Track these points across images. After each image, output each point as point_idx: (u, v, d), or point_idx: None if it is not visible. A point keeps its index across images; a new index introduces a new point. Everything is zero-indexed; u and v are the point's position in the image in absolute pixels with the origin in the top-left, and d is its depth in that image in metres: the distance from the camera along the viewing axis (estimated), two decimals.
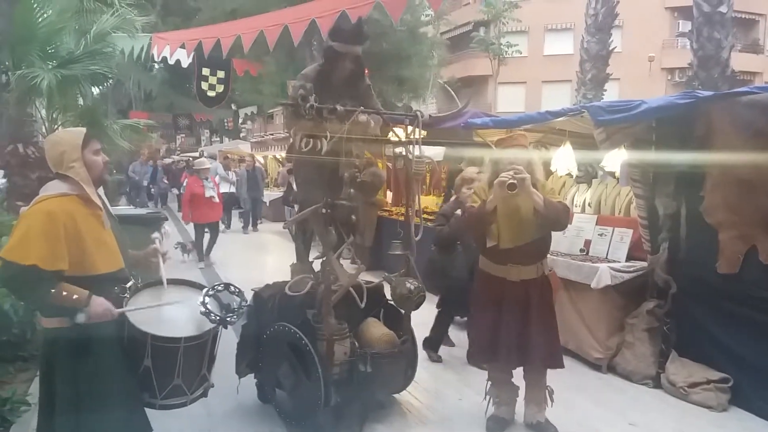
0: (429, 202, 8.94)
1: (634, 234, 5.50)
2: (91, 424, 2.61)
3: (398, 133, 4.37)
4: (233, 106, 26.39)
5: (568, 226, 5.88)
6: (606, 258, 5.54)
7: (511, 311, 3.91)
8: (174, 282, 3.00)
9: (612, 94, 19.48)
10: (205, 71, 10.98)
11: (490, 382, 4.22)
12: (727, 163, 4.56)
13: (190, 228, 10.86)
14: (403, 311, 4.39)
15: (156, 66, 24.69)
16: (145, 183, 19.77)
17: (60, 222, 2.56)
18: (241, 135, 36.45)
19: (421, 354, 4.62)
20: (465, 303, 4.74)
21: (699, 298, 4.93)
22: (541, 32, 33.90)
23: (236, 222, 15.87)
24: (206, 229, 10.38)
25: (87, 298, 2.59)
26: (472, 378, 4.99)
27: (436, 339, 5.63)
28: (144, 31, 9.35)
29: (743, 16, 29.13)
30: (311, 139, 3.82)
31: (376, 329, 4.28)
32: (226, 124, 32.88)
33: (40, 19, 7.16)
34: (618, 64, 18.60)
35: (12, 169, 7.59)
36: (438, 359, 5.54)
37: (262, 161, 21.77)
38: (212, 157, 19.50)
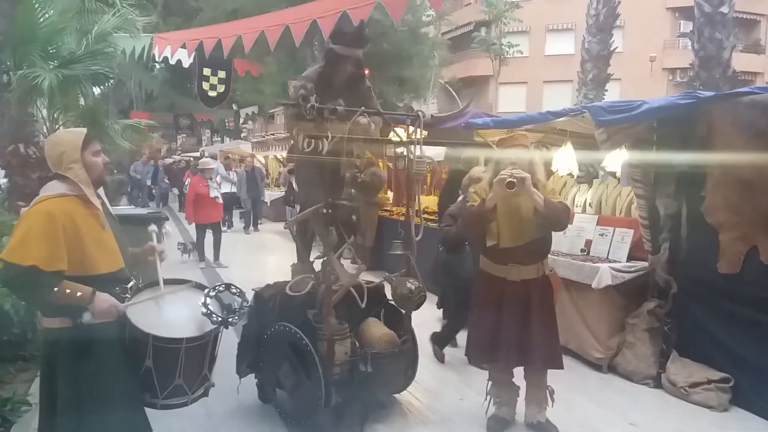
0: (430, 202, 8.94)
1: (635, 234, 5.50)
2: (92, 424, 2.61)
3: (399, 133, 4.38)
4: (234, 106, 26.41)
5: (569, 226, 5.88)
6: (607, 258, 5.54)
7: (511, 311, 3.91)
8: (175, 282, 3.00)
9: (613, 94, 19.48)
10: (206, 71, 11.00)
11: (490, 382, 4.22)
12: (728, 164, 4.56)
13: (191, 228, 10.86)
14: (403, 311, 4.39)
15: (157, 66, 24.73)
16: (147, 183, 19.81)
17: (59, 222, 2.56)
18: (242, 135, 36.43)
19: (422, 354, 4.61)
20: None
21: (700, 298, 4.93)
22: (543, 32, 33.89)
23: (237, 222, 15.89)
24: (208, 230, 10.38)
25: (91, 294, 2.59)
26: (473, 378, 4.99)
27: (445, 337, 5.62)
28: (145, 31, 9.36)
29: (744, 16, 29.11)
30: (312, 140, 3.82)
31: (377, 329, 4.29)
32: (227, 124, 32.88)
33: (41, 19, 7.17)
34: (619, 65, 18.59)
35: (13, 169, 7.60)
36: (441, 358, 5.54)
37: (263, 161, 21.78)
38: (213, 157, 19.49)
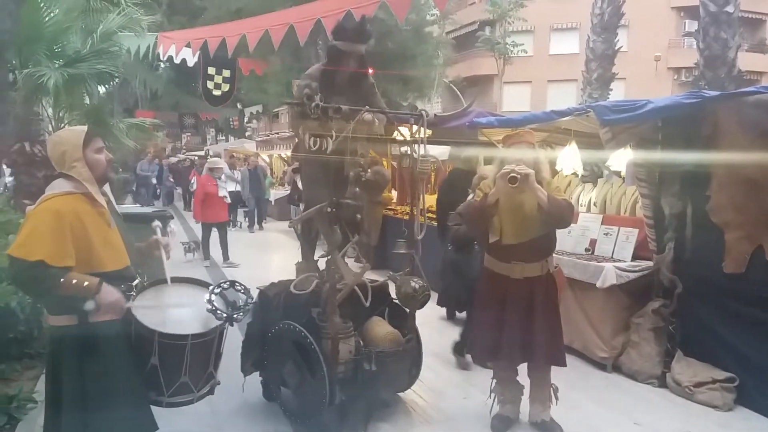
0: (434, 201, 8.93)
1: (639, 233, 5.49)
2: (98, 421, 2.62)
3: (403, 132, 4.38)
4: (238, 105, 26.44)
5: (574, 225, 5.89)
6: (611, 257, 5.53)
7: (514, 309, 3.91)
8: (180, 280, 3.01)
9: (618, 93, 19.42)
10: (211, 70, 11.02)
11: (494, 381, 4.22)
12: (733, 163, 4.54)
13: (196, 227, 10.88)
14: (407, 310, 4.39)
15: (162, 65, 24.77)
16: (154, 181, 19.85)
17: (66, 220, 2.57)
18: (247, 134, 36.49)
19: (426, 353, 4.61)
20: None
21: (705, 297, 4.92)
22: (547, 32, 33.83)
23: (241, 221, 15.90)
24: (214, 229, 10.39)
25: (98, 285, 2.59)
26: (477, 377, 4.99)
27: (464, 343, 5.59)
28: (150, 31, 9.39)
29: (750, 15, 28.99)
30: (317, 139, 3.83)
31: (381, 328, 4.29)
32: (231, 123, 32.92)
33: (46, 19, 7.19)
34: (624, 64, 18.55)
35: (19, 167, 7.63)
36: (466, 366, 5.43)
37: (268, 160, 21.80)
38: (217, 156, 19.53)
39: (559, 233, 4.20)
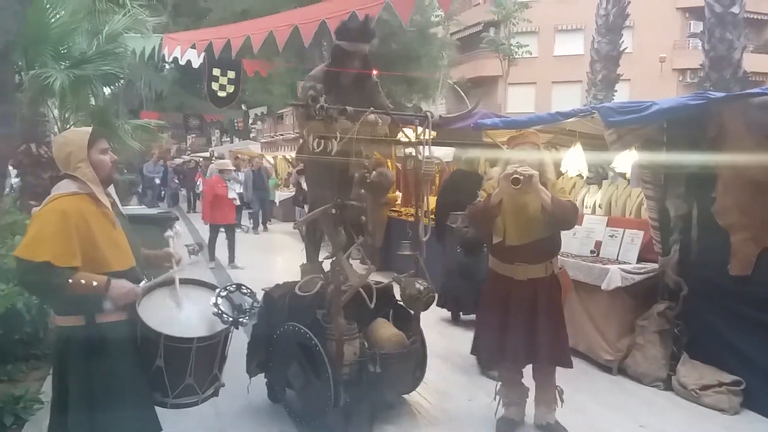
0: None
1: (644, 235, 5.48)
2: (103, 422, 2.62)
3: (408, 133, 4.38)
4: (243, 107, 26.47)
5: (579, 227, 5.88)
6: (617, 259, 5.52)
7: (518, 310, 3.90)
8: (186, 282, 3.01)
9: (623, 94, 19.41)
10: (216, 72, 11.00)
11: (499, 383, 4.22)
12: (739, 165, 4.53)
13: (201, 228, 10.89)
14: (412, 312, 4.39)
15: (167, 66, 24.80)
16: (158, 182, 19.90)
17: (72, 220, 2.58)
18: (251, 135, 36.56)
19: (431, 355, 4.60)
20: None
21: (710, 300, 4.91)
22: (552, 33, 33.78)
23: (246, 222, 15.91)
24: (221, 230, 10.38)
25: (106, 282, 2.59)
26: (482, 379, 5.00)
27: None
28: (155, 32, 9.38)
29: (755, 16, 28.87)
30: (322, 140, 3.83)
31: (386, 330, 4.29)
32: (236, 124, 33.00)
33: (52, 20, 7.22)
34: (629, 65, 18.51)
35: (25, 168, 7.66)
36: (496, 377, 5.37)
37: (272, 161, 21.82)
38: (221, 158, 19.56)
39: (564, 235, 4.19)
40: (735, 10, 12.46)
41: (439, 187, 10.70)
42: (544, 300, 3.91)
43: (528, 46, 31.79)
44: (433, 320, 6.69)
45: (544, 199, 3.72)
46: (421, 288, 4.14)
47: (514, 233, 3.91)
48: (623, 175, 7.24)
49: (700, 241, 5.04)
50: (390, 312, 4.54)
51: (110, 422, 2.64)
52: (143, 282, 2.83)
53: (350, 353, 3.97)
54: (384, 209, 8.35)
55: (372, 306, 4.17)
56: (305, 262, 4.77)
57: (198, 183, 19.19)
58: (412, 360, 4.35)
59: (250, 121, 31.57)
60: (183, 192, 22.23)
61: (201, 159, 24.76)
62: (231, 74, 11.03)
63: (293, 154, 16.43)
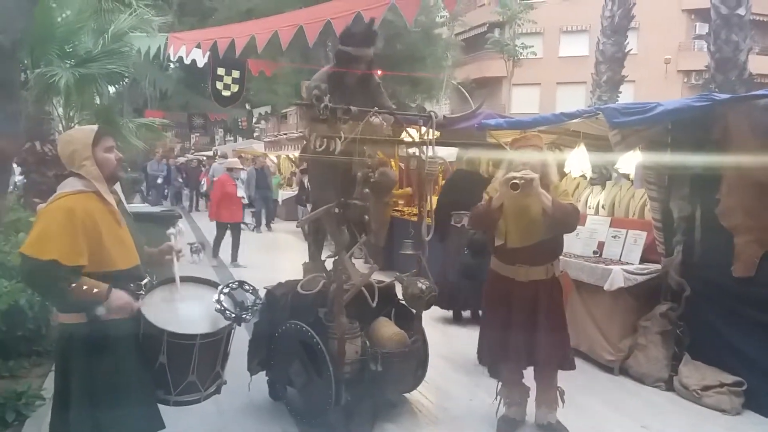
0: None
1: (648, 236, 5.47)
2: (106, 419, 2.63)
3: (412, 133, 4.38)
4: (247, 106, 26.50)
5: (582, 228, 5.87)
6: (619, 260, 5.51)
7: (519, 312, 3.91)
8: (189, 280, 3.03)
9: (627, 96, 19.35)
10: (221, 71, 11.02)
11: (501, 383, 4.22)
12: (743, 167, 4.52)
13: (204, 227, 10.90)
14: (414, 311, 4.40)
15: (172, 65, 24.86)
16: (160, 181, 19.92)
17: (78, 218, 2.59)
18: (255, 134, 36.61)
19: (432, 354, 4.61)
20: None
21: (713, 301, 4.90)
22: (557, 34, 33.75)
23: (249, 221, 15.92)
24: (228, 228, 10.39)
25: (107, 291, 2.61)
26: (483, 378, 4.99)
27: None
28: (160, 31, 9.41)
29: (761, 18, 28.80)
30: (325, 140, 3.84)
31: (387, 328, 4.29)
32: (240, 123, 33.02)
33: (58, 19, 7.26)
34: (634, 66, 18.50)
35: (29, 166, 7.69)
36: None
37: (276, 161, 21.84)
38: (224, 156, 19.60)
39: (567, 235, 4.19)
40: (741, 11, 12.43)
41: (441, 187, 10.74)
42: (545, 302, 3.91)
43: (533, 47, 31.76)
44: (434, 319, 6.70)
45: (545, 203, 3.72)
46: (423, 287, 4.14)
47: (515, 236, 3.91)
48: (627, 176, 7.24)
49: (703, 242, 5.04)
50: (392, 311, 4.54)
51: (113, 419, 2.65)
52: (146, 280, 2.85)
53: (352, 352, 3.97)
54: (387, 208, 8.32)
55: (374, 305, 4.18)
56: (308, 260, 4.77)
57: (202, 182, 19.22)
58: (414, 359, 4.35)
59: (254, 120, 31.60)
60: (186, 191, 22.26)
61: (204, 158, 24.79)
62: (235, 74, 11.04)
63: (297, 154, 16.45)
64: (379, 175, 4.18)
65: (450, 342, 6.08)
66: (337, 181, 4.13)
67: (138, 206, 11.03)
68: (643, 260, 5.42)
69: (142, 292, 2.78)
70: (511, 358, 4.00)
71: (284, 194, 17.51)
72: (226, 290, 2.95)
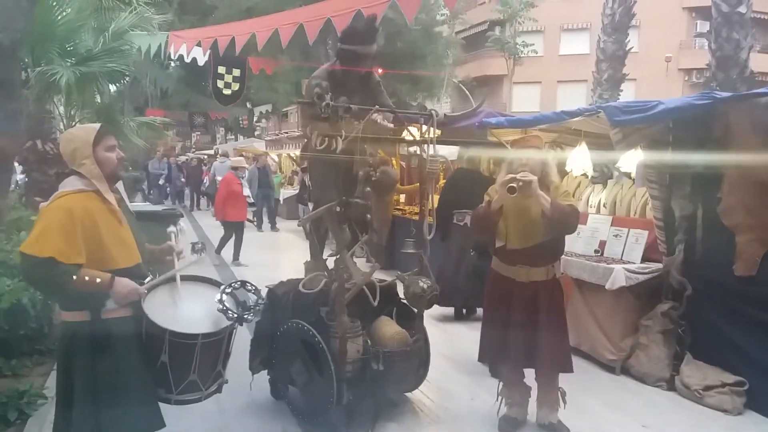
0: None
1: (649, 235, 5.46)
2: (108, 418, 2.64)
3: (413, 132, 4.38)
4: (248, 105, 26.52)
5: (584, 227, 5.87)
6: (621, 259, 5.51)
7: (519, 312, 3.91)
8: (191, 278, 3.03)
9: (628, 94, 19.32)
10: (221, 69, 11.01)
11: (502, 383, 4.22)
12: (745, 165, 4.51)
13: (206, 225, 10.89)
14: (415, 310, 4.39)
15: (172, 64, 24.86)
16: (162, 182, 19.93)
17: (77, 217, 2.60)
18: (256, 133, 36.56)
19: (434, 353, 4.60)
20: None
21: (715, 300, 4.90)
22: (557, 32, 33.72)
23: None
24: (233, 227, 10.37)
25: (110, 279, 2.61)
26: (485, 378, 4.98)
27: None
28: (161, 29, 9.42)
29: (762, 16, 28.73)
30: (326, 138, 3.83)
31: (389, 328, 4.29)
32: (241, 122, 33.00)
33: (59, 17, 7.25)
34: (635, 65, 18.47)
35: (31, 165, 7.70)
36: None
37: (277, 159, 21.84)
38: (225, 155, 19.59)
39: (569, 235, 4.18)
40: (742, 9, 12.40)
41: (443, 185, 10.75)
42: (545, 303, 3.91)
43: (533, 45, 31.69)
44: (436, 318, 6.70)
45: (544, 204, 3.71)
46: (425, 286, 4.14)
47: (515, 237, 3.92)
48: (628, 175, 7.23)
49: (705, 241, 5.03)
50: (393, 310, 4.54)
51: (114, 418, 2.65)
52: (148, 278, 2.85)
53: (353, 351, 3.97)
54: (388, 207, 8.32)
55: (375, 304, 4.18)
56: (309, 259, 4.77)
57: (204, 180, 19.22)
58: (415, 358, 4.35)
59: (255, 119, 31.57)
60: (187, 190, 22.27)
61: (205, 157, 24.78)
62: (236, 72, 11.04)
63: (298, 152, 16.44)
64: (380, 173, 4.18)
65: (451, 341, 6.08)
66: (338, 180, 4.12)
67: (139, 205, 11.04)
68: (644, 259, 5.42)
69: (144, 290, 2.78)
70: (511, 359, 4.00)
71: (285, 193, 17.51)
72: (228, 290, 2.95)
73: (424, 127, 4.24)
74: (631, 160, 6.37)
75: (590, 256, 5.72)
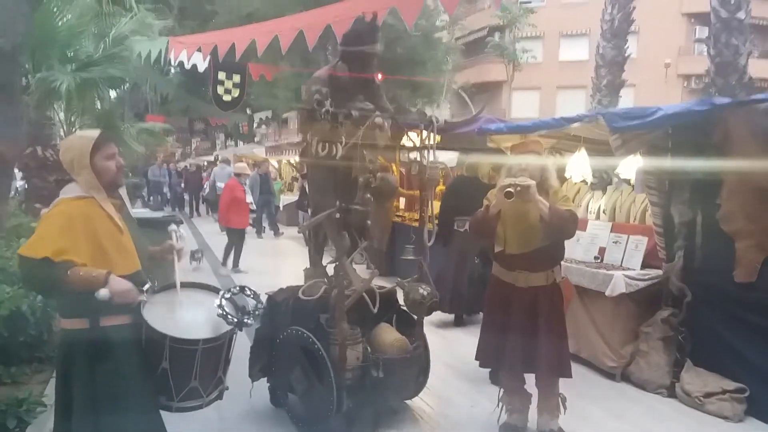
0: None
1: (649, 242, 5.47)
2: (108, 425, 2.63)
3: (412, 138, 4.38)
4: (248, 111, 26.52)
5: (583, 233, 5.87)
6: (621, 266, 5.51)
7: (519, 317, 3.91)
8: (190, 285, 3.02)
9: (627, 100, 19.37)
10: (221, 75, 11.03)
11: (502, 390, 4.21)
12: (744, 171, 4.52)
13: (205, 232, 10.87)
14: (415, 317, 4.39)
15: (172, 70, 24.89)
16: (166, 190, 19.93)
17: (76, 222, 2.60)
18: (256, 139, 36.58)
19: (434, 360, 4.60)
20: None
21: (715, 306, 4.89)
22: (557, 38, 33.77)
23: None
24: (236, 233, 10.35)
25: (106, 275, 2.57)
26: (485, 385, 4.97)
27: None
28: (161, 35, 9.44)
29: (761, 22, 28.80)
30: (326, 144, 3.83)
31: (389, 334, 4.28)
32: (241, 128, 33.04)
33: (59, 23, 7.27)
34: (634, 71, 18.48)
35: (31, 171, 7.71)
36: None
37: (276, 165, 21.85)
38: (225, 161, 19.60)
39: (568, 241, 4.18)
40: (741, 15, 12.42)
41: (443, 192, 10.75)
42: (545, 308, 3.91)
43: (533, 51, 31.75)
44: (436, 325, 6.69)
45: (542, 209, 3.71)
46: (425, 293, 4.14)
47: (514, 242, 3.92)
48: (627, 181, 7.24)
49: (704, 247, 5.03)
50: (393, 317, 4.54)
51: (115, 426, 2.64)
52: (147, 285, 2.84)
53: (353, 358, 3.97)
54: (388, 213, 8.31)
55: (375, 311, 4.17)
56: (309, 266, 4.76)
57: (205, 186, 19.23)
58: (415, 365, 4.34)
59: (255, 125, 31.60)
60: (186, 196, 22.27)
61: (205, 163, 24.79)
62: (236, 78, 11.05)
63: (297, 158, 16.42)
64: (379, 180, 4.18)
65: (451, 348, 6.07)
66: (337, 186, 4.12)
67: (139, 211, 11.03)
68: (644, 265, 5.42)
69: (143, 297, 2.77)
70: (510, 364, 3.99)
71: (285, 199, 17.51)
72: (227, 295, 2.94)
73: (424, 133, 4.25)
74: (631, 166, 6.38)
75: (590, 262, 5.72)
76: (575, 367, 4.09)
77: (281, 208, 17.29)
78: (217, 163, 19.65)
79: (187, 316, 2.86)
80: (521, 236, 3.89)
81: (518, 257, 3.91)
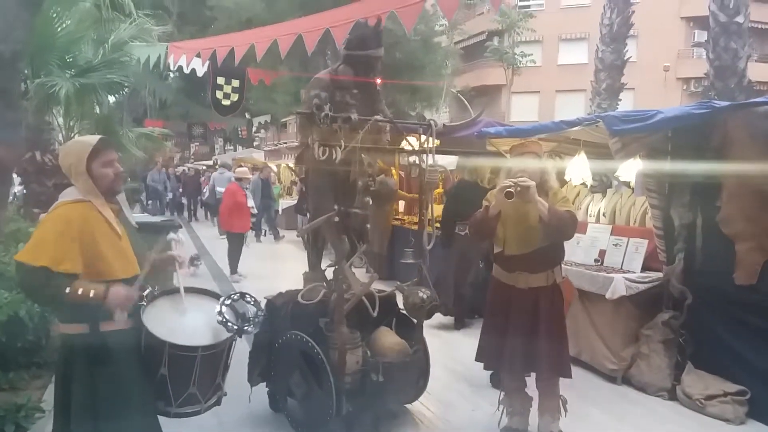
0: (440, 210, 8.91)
1: (649, 244, 5.46)
2: (106, 430, 2.62)
3: (412, 141, 4.38)
4: (247, 115, 26.55)
5: (583, 236, 5.87)
6: (621, 268, 5.50)
7: (519, 318, 3.91)
8: (190, 290, 3.01)
9: (627, 103, 19.38)
10: (220, 80, 11.03)
11: (503, 393, 4.19)
12: (743, 174, 4.52)
13: (204, 236, 10.85)
14: (415, 320, 4.38)
15: (171, 75, 24.93)
16: (170, 196, 19.90)
17: (74, 227, 2.59)
18: (255, 143, 36.64)
19: (434, 364, 4.58)
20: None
21: (715, 309, 4.88)
22: (556, 42, 33.81)
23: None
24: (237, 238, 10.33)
25: (104, 290, 2.57)
26: (486, 389, 4.96)
27: None
28: (160, 41, 9.44)
29: (760, 26, 28.85)
30: (325, 148, 3.83)
31: (388, 338, 4.27)
32: (239, 132, 33.08)
33: (59, 29, 7.28)
34: (633, 74, 18.54)
35: (29, 176, 7.70)
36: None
37: (276, 170, 21.84)
38: (225, 166, 19.59)
39: (568, 243, 4.18)
40: (739, 19, 12.47)
41: (444, 196, 10.75)
42: (545, 309, 3.90)
43: (532, 55, 31.81)
44: (436, 328, 6.68)
45: (541, 210, 3.71)
46: (424, 296, 4.13)
47: (513, 243, 3.91)
48: (627, 184, 7.24)
49: (704, 250, 5.02)
50: (393, 320, 4.53)
51: (113, 431, 2.62)
52: (147, 290, 2.83)
53: (353, 362, 3.95)
54: (388, 217, 8.33)
55: (375, 314, 4.16)
56: (308, 270, 4.75)
57: (205, 190, 19.21)
58: (415, 369, 4.33)
59: (254, 129, 31.65)
60: (184, 200, 22.25)
61: (204, 167, 24.79)
62: (235, 83, 11.05)
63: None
64: (379, 183, 4.17)
65: (451, 351, 6.05)
66: (335, 189, 4.11)
67: (137, 216, 11.00)
68: (644, 268, 5.41)
69: (143, 302, 2.76)
70: (510, 364, 3.98)
71: (284, 203, 17.50)
72: (227, 302, 2.93)
73: (423, 137, 4.24)
74: (631, 169, 6.37)
75: (590, 265, 5.71)
76: (576, 370, 4.08)
77: (280, 212, 17.29)
78: (216, 167, 19.63)
79: (187, 322, 2.85)
80: (521, 237, 3.88)
81: (518, 258, 3.91)
